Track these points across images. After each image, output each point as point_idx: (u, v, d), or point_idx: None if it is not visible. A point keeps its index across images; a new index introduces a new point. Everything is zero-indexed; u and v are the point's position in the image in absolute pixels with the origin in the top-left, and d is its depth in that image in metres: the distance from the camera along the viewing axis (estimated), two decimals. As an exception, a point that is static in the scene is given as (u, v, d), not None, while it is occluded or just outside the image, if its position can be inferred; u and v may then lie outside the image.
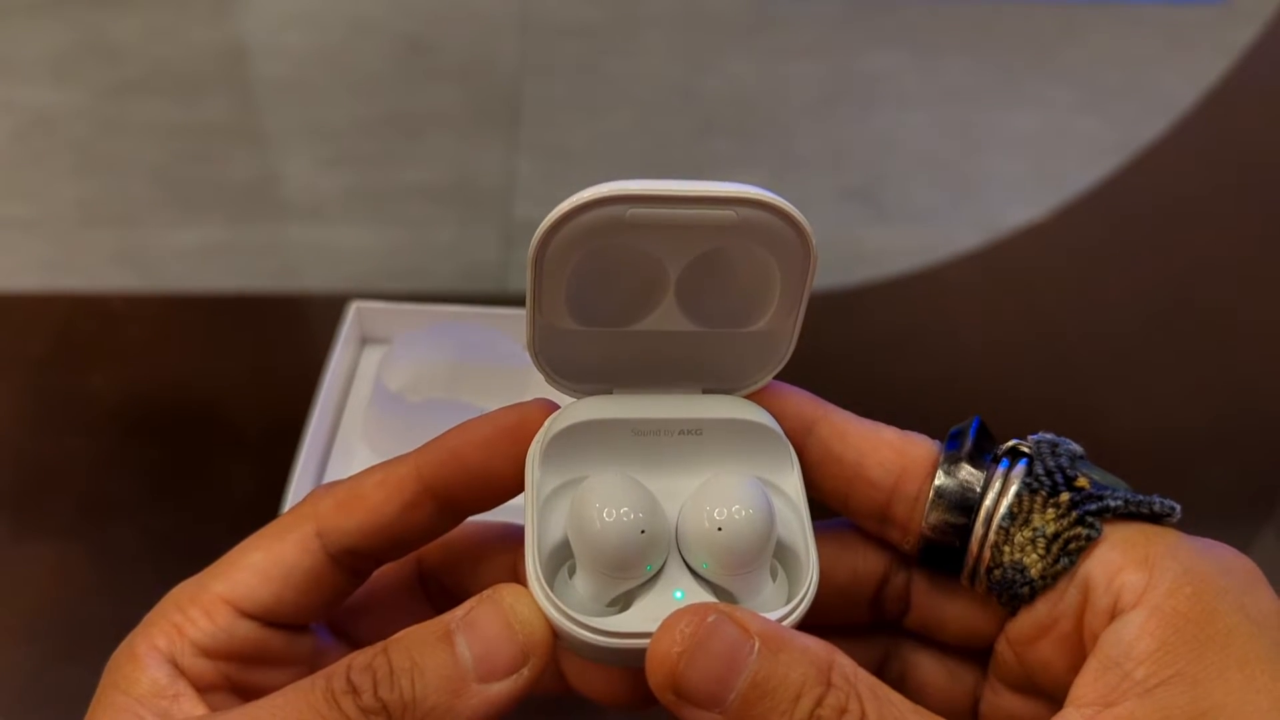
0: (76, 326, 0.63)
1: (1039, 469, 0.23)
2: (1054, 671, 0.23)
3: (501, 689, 0.21)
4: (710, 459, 0.24)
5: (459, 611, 0.22)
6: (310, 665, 0.26)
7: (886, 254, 0.91)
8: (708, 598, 0.23)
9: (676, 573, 0.23)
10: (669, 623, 0.21)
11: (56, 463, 0.55)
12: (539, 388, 0.24)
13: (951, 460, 0.24)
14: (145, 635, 0.24)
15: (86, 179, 0.96)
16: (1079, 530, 0.22)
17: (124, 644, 0.24)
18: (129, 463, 0.55)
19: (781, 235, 0.22)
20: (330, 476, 0.49)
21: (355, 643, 0.27)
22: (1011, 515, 0.23)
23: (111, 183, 0.96)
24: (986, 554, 0.23)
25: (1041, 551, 0.23)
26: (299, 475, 0.46)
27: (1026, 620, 0.23)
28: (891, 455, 0.24)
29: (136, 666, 0.23)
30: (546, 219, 0.21)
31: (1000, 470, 0.24)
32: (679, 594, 0.23)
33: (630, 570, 0.23)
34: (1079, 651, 0.22)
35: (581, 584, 0.23)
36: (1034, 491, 0.23)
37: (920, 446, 0.25)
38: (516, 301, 0.24)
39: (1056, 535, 0.23)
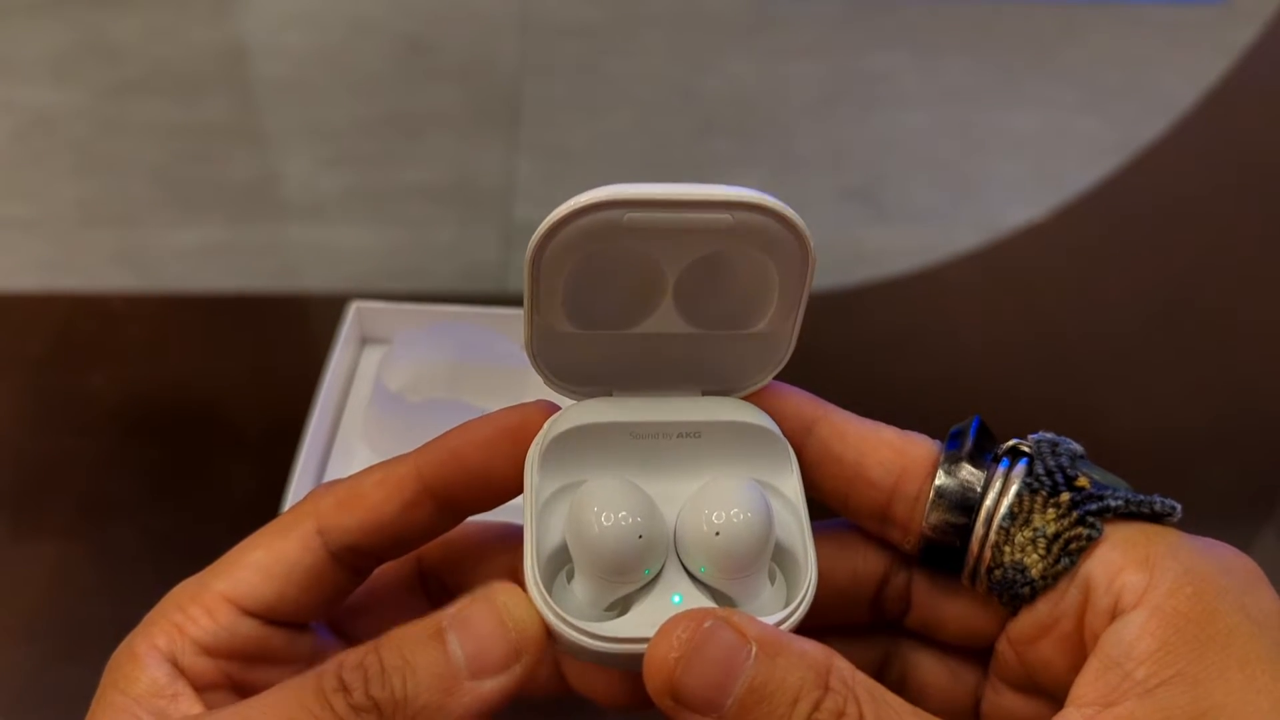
0: (76, 326, 0.63)
1: (1039, 469, 0.23)
2: (1055, 671, 0.23)
3: (494, 686, 0.21)
4: (709, 461, 0.24)
5: (451, 609, 0.22)
6: (310, 664, 0.25)
7: (886, 254, 0.91)
8: (706, 601, 0.23)
9: (675, 576, 0.23)
10: (666, 628, 0.21)
11: (56, 463, 0.55)
12: (539, 388, 0.24)
13: (952, 460, 0.24)
14: (145, 635, 0.24)
15: (86, 179, 0.96)
16: (1080, 530, 0.22)
17: (124, 643, 0.24)
18: (129, 463, 0.55)
19: (779, 238, 0.22)
20: (330, 476, 0.49)
21: (355, 641, 0.27)
22: (1012, 515, 0.23)
23: (111, 183, 0.96)
24: (987, 554, 0.23)
25: (1042, 551, 0.23)
26: (299, 475, 0.46)
27: (1027, 620, 0.23)
28: (891, 455, 0.24)
29: (136, 666, 0.23)
30: (543, 224, 0.21)
31: (1001, 470, 0.24)
32: (677, 598, 0.23)
33: (628, 575, 0.22)
34: (1080, 651, 0.22)
35: (580, 588, 0.23)
36: (1034, 491, 0.23)
37: (920, 446, 0.25)
38: (516, 301, 0.24)
39: (1057, 535, 0.23)
